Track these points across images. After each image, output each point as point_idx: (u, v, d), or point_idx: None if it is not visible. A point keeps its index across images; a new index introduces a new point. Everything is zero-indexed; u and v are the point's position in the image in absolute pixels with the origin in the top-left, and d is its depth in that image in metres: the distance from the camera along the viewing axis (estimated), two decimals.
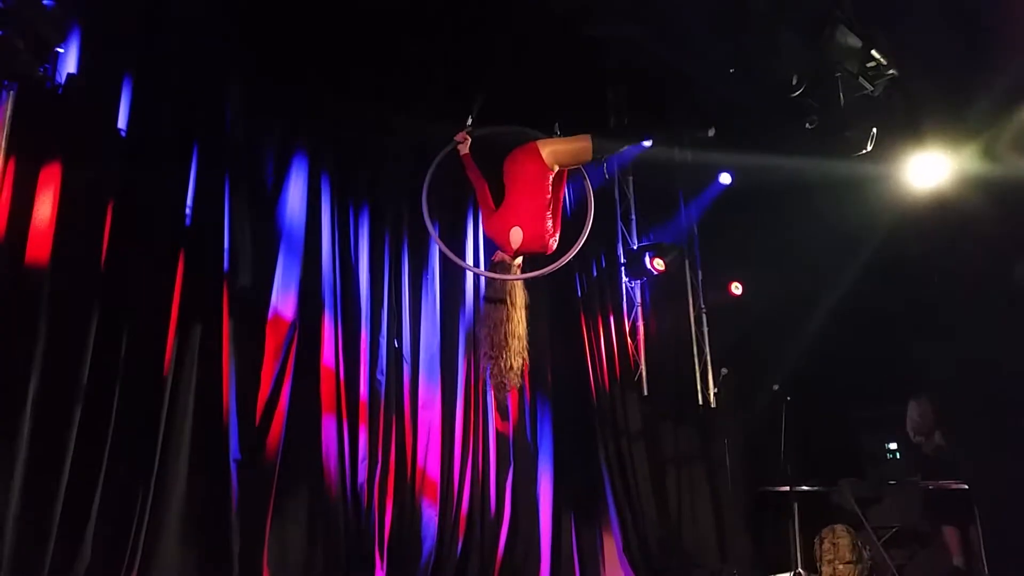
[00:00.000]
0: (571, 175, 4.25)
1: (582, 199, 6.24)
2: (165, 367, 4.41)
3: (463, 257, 6.26)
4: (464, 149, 4.14)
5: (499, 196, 4.05)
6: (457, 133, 4.14)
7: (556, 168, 4.05)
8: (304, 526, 4.91)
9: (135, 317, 4.35)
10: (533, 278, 3.98)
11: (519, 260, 3.97)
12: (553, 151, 4.05)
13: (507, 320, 3.84)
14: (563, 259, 3.99)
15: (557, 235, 3.97)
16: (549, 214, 3.98)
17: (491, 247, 6.26)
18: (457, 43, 5.85)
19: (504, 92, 4.61)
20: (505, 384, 3.90)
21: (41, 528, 3.77)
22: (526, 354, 3.90)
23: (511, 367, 3.84)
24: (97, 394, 4.07)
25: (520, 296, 3.92)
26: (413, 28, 5.69)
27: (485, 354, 3.92)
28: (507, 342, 3.81)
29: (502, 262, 3.94)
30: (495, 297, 3.89)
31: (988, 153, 5.86)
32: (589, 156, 4.07)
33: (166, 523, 4.29)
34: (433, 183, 4.18)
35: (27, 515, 3.74)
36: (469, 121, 4.22)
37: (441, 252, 6.14)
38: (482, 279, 6.29)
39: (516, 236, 3.91)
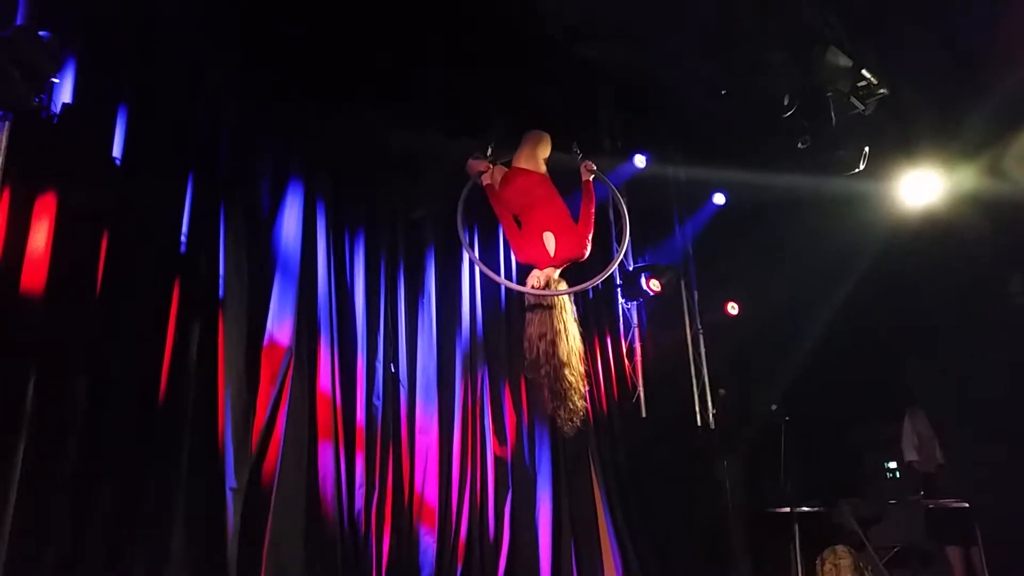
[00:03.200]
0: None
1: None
2: (160, 395, 4.38)
3: (458, 277, 6.28)
4: (487, 179, 4.20)
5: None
6: (478, 163, 4.22)
7: (544, 168, 4.16)
8: (301, 554, 4.85)
9: (130, 344, 4.33)
10: (581, 290, 4.00)
11: (559, 276, 3.95)
12: (526, 157, 4.19)
13: (564, 337, 3.81)
14: (610, 266, 4.16)
15: (590, 240, 4.00)
16: (572, 218, 4.06)
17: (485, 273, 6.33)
18: (451, 66, 5.90)
19: (497, 113, 4.67)
20: (576, 408, 3.87)
21: (34, 558, 3.72)
22: (582, 367, 3.88)
23: (575, 389, 3.83)
24: (92, 422, 4.03)
25: (570, 306, 3.92)
26: (406, 52, 5.74)
27: (549, 387, 3.83)
28: (568, 361, 3.79)
29: (547, 284, 3.90)
30: (544, 319, 3.82)
31: (993, 170, 5.88)
32: (545, 135, 4.30)
33: (161, 553, 4.22)
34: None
35: (20, 542, 3.68)
36: (488, 151, 4.29)
37: (437, 275, 6.17)
38: (478, 304, 6.35)
39: (549, 240, 3.97)
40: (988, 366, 5.86)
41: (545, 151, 4.33)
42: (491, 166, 4.26)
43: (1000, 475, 5.77)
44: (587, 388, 6.66)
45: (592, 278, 4.27)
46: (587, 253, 3.98)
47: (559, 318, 3.85)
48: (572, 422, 3.90)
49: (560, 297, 3.89)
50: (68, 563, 3.85)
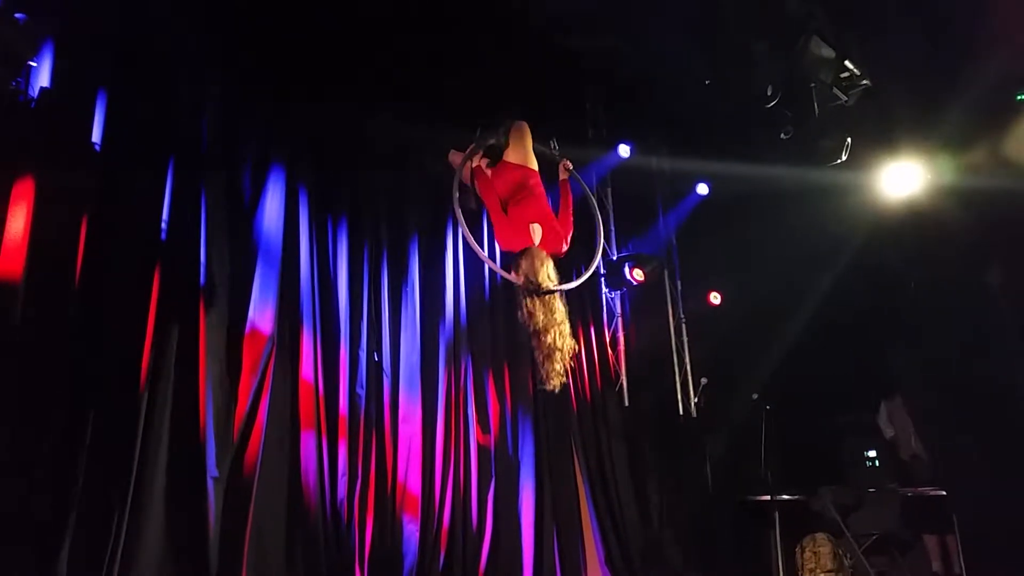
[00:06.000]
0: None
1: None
2: (141, 383, 4.33)
3: (442, 266, 6.25)
4: (476, 161, 4.19)
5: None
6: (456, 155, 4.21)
7: (535, 163, 4.17)
8: (283, 543, 4.84)
9: (110, 332, 4.29)
10: (564, 289, 4.07)
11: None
12: (515, 151, 4.20)
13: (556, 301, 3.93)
14: (587, 272, 4.25)
15: (569, 239, 4.07)
16: (555, 216, 4.09)
17: (469, 262, 6.33)
18: (434, 55, 5.87)
19: (480, 103, 4.65)
20: (559, 369, 3.95)
21: (14, 547, 3.69)
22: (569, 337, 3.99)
23: (561, 350, 3.93)
24: (72, 410, 4.00)
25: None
26: (389, 41, 5.70)
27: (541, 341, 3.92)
28: (560, 320, 3.92)
29: (541, 265, 3.92)
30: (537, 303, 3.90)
31: (974, 161, 5.92)
32: (524, 123, 4.33)
33: (143, 542, 4.20)
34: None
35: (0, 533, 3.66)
36: (477, 133, 4.28)
37: (421, 264, 6.14)
38: (462, 293, 6.34)
39: (536, 231, 4.00)
40: (967, 355, 5.92)
41: (529, 141, 4.34)
42: (472, 156, 4.24)
43: (977, 463, 5.84)
44: (571, 375, 6.72)
45: (576, 268, 4.30)
46: (565, 251, 4.06)
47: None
48: (555, 379, 3.94)
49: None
50: (48, 552, 3.82)
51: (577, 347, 6.74)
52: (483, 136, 4.28)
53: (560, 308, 3.96)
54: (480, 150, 4.24)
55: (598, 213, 4.57)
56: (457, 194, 4.06)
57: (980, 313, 5.98)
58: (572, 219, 4.13)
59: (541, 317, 3.87)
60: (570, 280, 4.29)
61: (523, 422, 6.35)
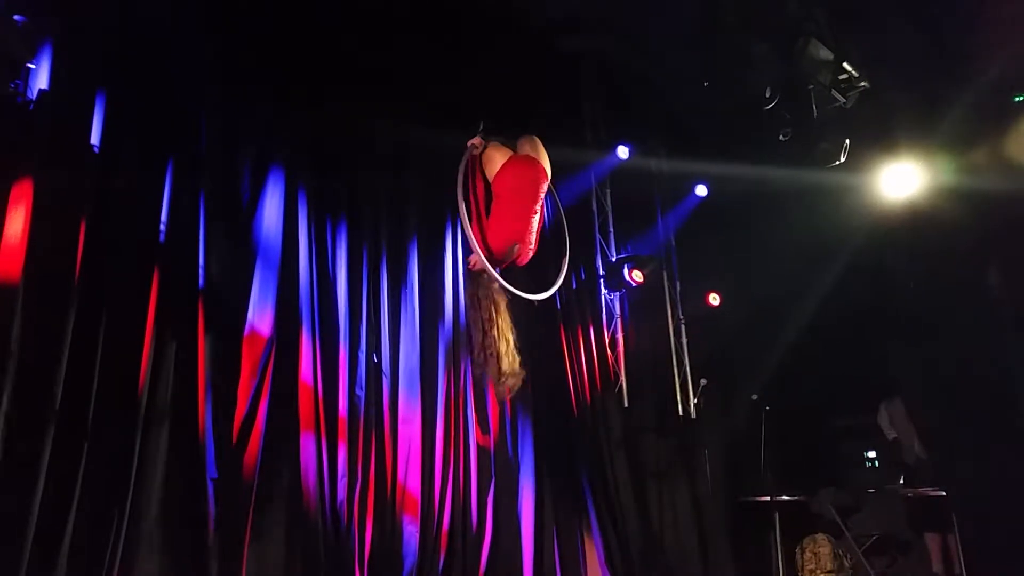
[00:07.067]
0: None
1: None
2: (140, 385, 4.33)
3: (441, 268, 6.25)
4: (475, 152, 4.15)
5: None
6: (471, 139, 4.16)
7: (547, 161, 4.16)
8: (283, 545, 4.83)
9: (109, 334, 4.28)
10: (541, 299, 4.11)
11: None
12: (531, 147, 4.14)
13: (496, 318, 3.92)
14: (556, 284, 4.22)
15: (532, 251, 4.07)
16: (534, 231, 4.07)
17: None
18: (434, 57, 5.87)
19: (480, 104, 4.64)
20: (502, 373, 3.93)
21: (13, 550, 3.68)
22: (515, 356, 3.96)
23: (509, 371, 3.91)
24: (70, 412, 3.98)
25: (503, 299, 3.99)
26: (389, 42, 5.71)
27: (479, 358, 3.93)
28: (502, 329, 3.91)
29: (484, 272, 3.91)
30: (484, 296, 3.92)
31: (972, 163, 5.93)
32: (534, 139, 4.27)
33: (142, 544, 4.20)
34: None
35: None
36: (481, 126, 4.24)
37: (420, 265, 6.13)
38: (461, 294, 6.33)
39: (515, 250, 3.98)
40: (966, 356, 5.93)
41: (542, 149, 4.30)
42: (482, 142, 4.19)
43: (976, 464, 5.84)
44: (570, 376, 6.72)
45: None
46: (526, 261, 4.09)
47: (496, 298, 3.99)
48: (504, 385, 3.97)
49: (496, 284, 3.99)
50: (47, 553, 3.82)
51: (574, 356, 6.79)
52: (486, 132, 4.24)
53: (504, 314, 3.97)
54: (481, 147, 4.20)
55: (567, 232, 4.51)
56: (462, 191, 4.00)
57: (979, 313, 5.98)
58: (537, 236, 4.12)
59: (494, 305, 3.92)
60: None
61: (523, 423, 6.35)
